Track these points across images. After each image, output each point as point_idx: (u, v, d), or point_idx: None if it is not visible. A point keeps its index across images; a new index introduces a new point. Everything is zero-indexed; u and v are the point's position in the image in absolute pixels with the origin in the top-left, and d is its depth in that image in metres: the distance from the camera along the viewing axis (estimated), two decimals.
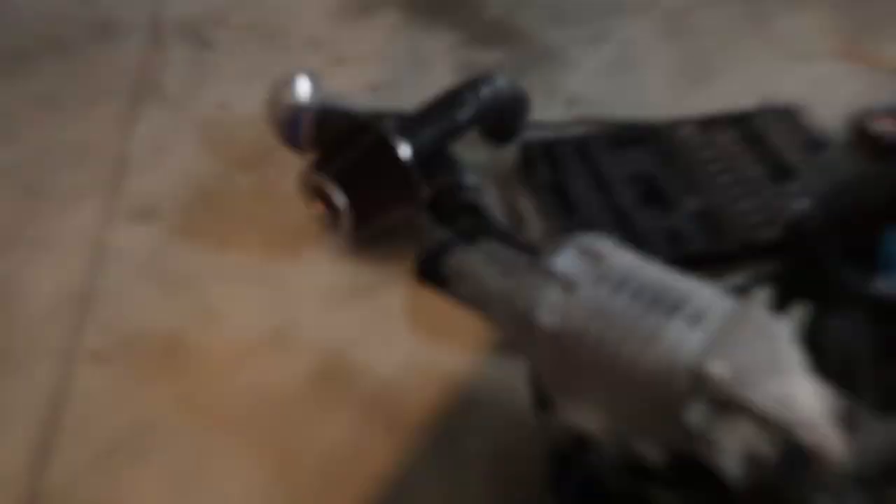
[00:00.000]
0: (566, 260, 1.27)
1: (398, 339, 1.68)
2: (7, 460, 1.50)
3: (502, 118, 2.00)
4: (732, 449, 1.05)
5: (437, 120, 1.87)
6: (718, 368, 1.09)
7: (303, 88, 2.04)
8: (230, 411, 1.57)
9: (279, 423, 1.55)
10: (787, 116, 2.04)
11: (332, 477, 1.47)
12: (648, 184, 1.92)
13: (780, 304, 1.23)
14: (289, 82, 2.05)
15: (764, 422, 1.05)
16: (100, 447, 1.51)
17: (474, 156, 1.98)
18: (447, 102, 1.91)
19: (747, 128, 2.03)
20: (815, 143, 1.97)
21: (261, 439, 1.52)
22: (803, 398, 1.08)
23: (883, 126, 1.98)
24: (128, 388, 1.61)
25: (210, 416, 1.56)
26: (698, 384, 1.09)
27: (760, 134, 2.01)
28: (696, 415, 1.07)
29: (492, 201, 1.88)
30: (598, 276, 1.24)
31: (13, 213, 1.97)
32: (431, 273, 1.43)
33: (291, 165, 2.00)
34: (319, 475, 1.47)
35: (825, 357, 1.15)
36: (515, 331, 1.27)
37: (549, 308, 1.23)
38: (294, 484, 1.46)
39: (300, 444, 1.51)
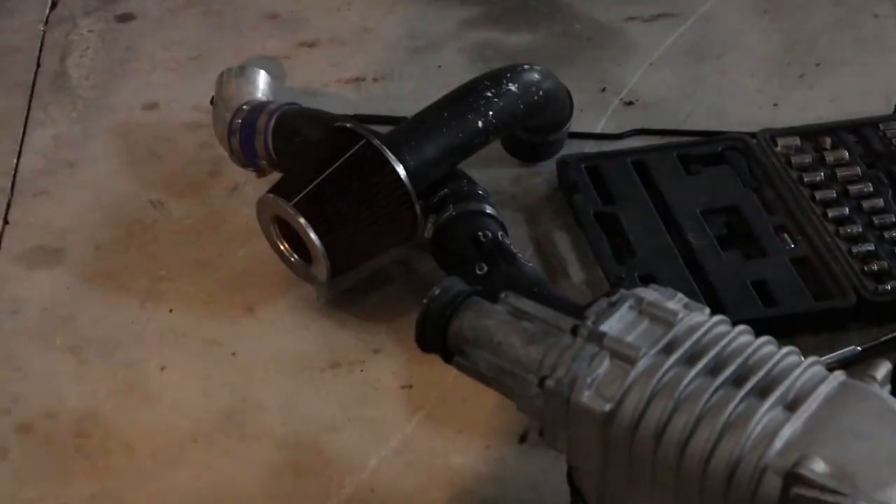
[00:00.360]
0: (619, 322, 1.31)
1: (391, 425, 1.73)
2: None
3: (533, 126, 2.05)
4: None
5: (444, 129, 1.91)
6: (819, 467, 1.14)
7: (259, 83, 2.12)
8: None
9: None
10: None
11: None
12: (730, 218, 1.98)
13: None
14: (240, 75, 2.12)
15: None
16: None
17: (494, 177, 2.05)
18: (458, 104, 1.95)
19: (872, 141, 2.09)
20: None
21: None
22: None
23: None
24: (29, 487, 1.66)
25: None
26: (792, 486, 1.14)
27: (890, 149, 2.06)
28: None
29: (517, 239, 1.93)
30: (663, 345, 1.29)
31: None
32: (436, 339, 1.45)
33: (245, 189, 2.06)
34: None
35: None
36: (548, 415, 1.31)
37: (597, 385, 1.27)
38: None
39: None
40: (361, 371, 1.82)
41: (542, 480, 1.62)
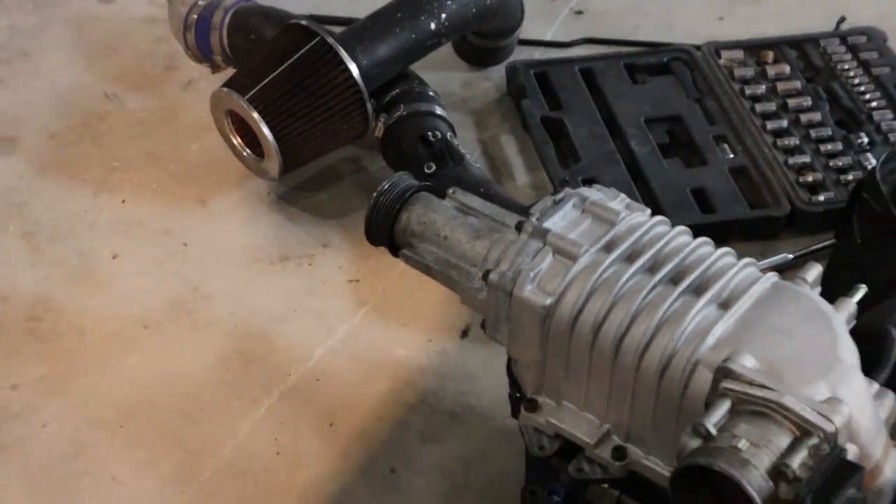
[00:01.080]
0: (563, 220, 1.32)
1: (337, 317, 1.75)
2: None
3: (484, 30, 2.05)
4: (759, 461, 1.10)
5: (397, 29, 1.91)
6: (749, 363, 1.16)
7: None
8: (116, 400, 1.64)
9: (180, 418, 1.63)
10: (867, 43, 2.13)
11: (246, 489, 1.56)
12: (673, 127, 2.00)
13: (835, 285, 1.30)
14: None
15: (800, 429, 1.12)
16: None
17: (445, 80, 2.06)
18: (412, 5, 1.94)
19: (812, 57, 2.10)
20: None
21: (156, 438, 1.60)
22: (854, 402, 1.15)
23: None
24: None
25: (90, 406, 1.64)
26: (722, 380, 1.16)
27: (829, 65, 2.09)
28: (716, 418, 1.13)
29: (466, 141, 1.94)
30: (604, 243, 1.29)
31: None
32: (384, 231, 1.45)
33: (200, 84, 2.06)
34: (228, 486, 1.56)
35: (887, 354, 1.26)
36: (490, 308, 1.32)
37: (539, 280, 1.28)
38: (196, 497, 1.55)
39: (206, 447, 1.59)
40: (310, 265, 1.84)
41: (481, 373, 1.65)
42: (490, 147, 2.03)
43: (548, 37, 2.23)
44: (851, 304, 1.27)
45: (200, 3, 2.02)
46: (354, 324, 1.75)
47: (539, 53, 2.18)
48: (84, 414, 1.63)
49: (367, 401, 1.65)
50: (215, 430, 1.62)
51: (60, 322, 1.75)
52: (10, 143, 2.01)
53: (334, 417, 1.63)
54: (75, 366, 1.69)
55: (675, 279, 1.27)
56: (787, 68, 2.10)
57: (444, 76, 2.06)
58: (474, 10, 1.98)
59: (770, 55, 2.12)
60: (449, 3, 1.95)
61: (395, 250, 1.45)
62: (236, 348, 1.72)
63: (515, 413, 1.37)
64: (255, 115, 1.80)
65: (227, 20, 1.98)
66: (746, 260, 1.30)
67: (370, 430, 1.63)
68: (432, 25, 1.93)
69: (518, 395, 1.37)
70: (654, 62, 2.14)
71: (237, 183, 1.94)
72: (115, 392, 1.66)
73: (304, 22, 1.88)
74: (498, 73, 2.12)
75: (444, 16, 1.94)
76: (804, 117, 2.01)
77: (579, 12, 2.30)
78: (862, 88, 2.06)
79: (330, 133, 1.88)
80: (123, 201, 1.92)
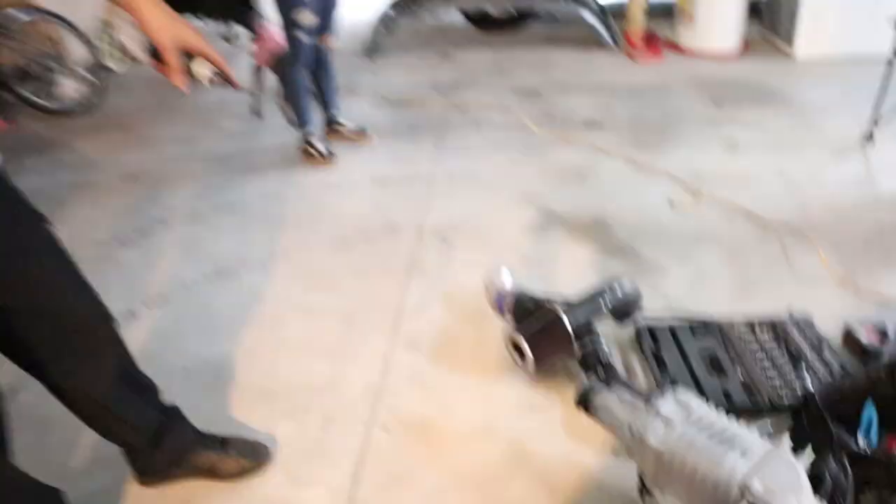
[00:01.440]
0: (666, 405, 1.34)
1: (560, 440, 1.76)
2: (336, 479, 1.67)
3: (625, 307, 2.06)
4: None
5: (587, 305, 1.96)
6: (757, 485, 1.16)
7: (506, 278, 2.16)
8: (458, 468, 1.69)
9: (485, 480, 1.66)
10: (803, 323, 2.07)
11: None
12: (713, 359, 1.97)
13: (795, 447, 1.30)
14: (497, 273, 2.17)
15: None
16: (390, 476, 1.67)
17: (607, 329, 2.05)
18: (593, 294, 2.00)
19: (777, 328, 2.06)
20: (820, 342, 1.99)
21: (473, 488, 1.64)
22: None
23: (866, 335, 2.00)
24: (402, 447, 1.76)
25: (447, 469, 1.69)
26: (745, 495, 1.17)
27: (786, 333, 2.04)
28: None
29: (617, 360, 1.96)
30: (686, 418, 1.31)
31: (339, 339, 2.13)
32: (584, 403, 1.51)
33: (499, 325, 2.11)
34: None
35: (823, 485, 1.23)
36: (633, 446, 1.35)
37: (655, 435, 1.30)
38: (483, 491, 1.59)
39: (496, 496, 1.62)
40: (547, 412, 1.84)
41: (626, 476, 1.62)
42: (627, 364, 2.00)
43: (651, 311, 2.18)
44: (805, 458, 1.27)
45: (500, 291, 2.08)
46: (567, 442, 1.74)
47: (648, 319, 2.13)
48: (444, 472, 1.66)
49: (575, 481, 1.64)
50: (499, 490, 1.62)
51: (435, 432, 1.79)
52: (416, 346, 2.04)
53: (558, 488, 1.63)
54: (441, 452, 1.72)
55: (721, 440, 1.25)
56: (765, 334, 2.04)
57: (605, 327, 2.03)
58: (621, 297, 2.01)
59: (756, 326, 2.06)
60: (609, 295, 1.97)
61: (587, 412, 1.49)
62: (510, 452, 1.71)
63: (642, 496, 1.37)
64: (525, 344, 1.86)
65: (511, 298, 2.04)
66: (756, 432, 1.28)
67: (575, 494, 1.62)
68: (602, 305, 1.96)
69: (643, 488, 1.36)
70: (700, 326, 2.08)
71: (513, 370, 1.95)
72: (458, 464, 1.69)
73: (547, 304, 1.94)
74: (630, 328, 2.10)
75: (609, 300, 1.97)
76: (776, 360, 1.94)
77: (665, 299, 2.25)
78: (802, 345, 1.98)
79: (557, 352, 1.90)
80: (464, 376, 1.93)
